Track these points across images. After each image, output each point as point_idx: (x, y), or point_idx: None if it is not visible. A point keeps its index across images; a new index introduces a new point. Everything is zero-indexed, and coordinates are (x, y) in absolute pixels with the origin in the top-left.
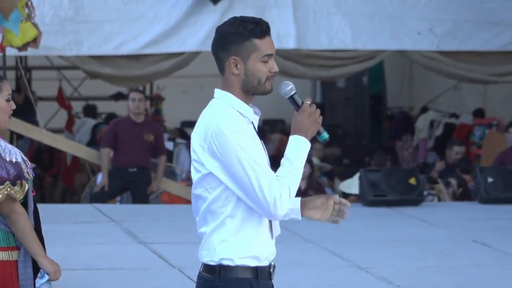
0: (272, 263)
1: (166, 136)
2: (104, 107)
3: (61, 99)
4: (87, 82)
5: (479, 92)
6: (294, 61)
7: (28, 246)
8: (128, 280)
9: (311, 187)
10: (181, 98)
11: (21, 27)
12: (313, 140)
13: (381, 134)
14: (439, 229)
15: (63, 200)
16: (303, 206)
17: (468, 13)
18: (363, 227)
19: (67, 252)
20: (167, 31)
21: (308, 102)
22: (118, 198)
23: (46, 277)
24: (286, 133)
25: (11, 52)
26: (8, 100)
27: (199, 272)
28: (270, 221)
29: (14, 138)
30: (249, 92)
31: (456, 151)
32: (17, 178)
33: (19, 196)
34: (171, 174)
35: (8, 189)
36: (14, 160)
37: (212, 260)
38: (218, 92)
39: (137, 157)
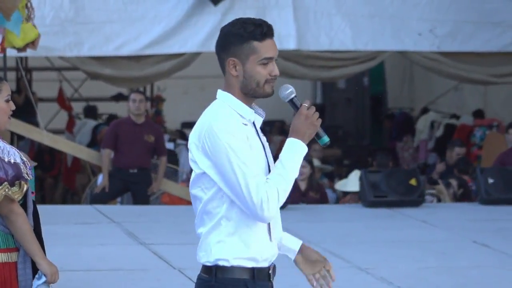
0: (273, 264)
1: (166, 137)
2: (104, 108)
3: (62, 100)
4: (87, 83)
5: (480, 93)
6: (294, 62)
7: (26, 246)
8: (129, 281)
9: (311, 188)
10: (181, 99)
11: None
12: (312, 141)
13: (382, 135)
14: (439, 230)
15: (64, 201)
16: (300, 250)
17: (469, 13)
18: (364, 228)
19: (67, 253)
20: (168, 32)
21: (306, 105)
22: (118, 199)
23: (44, 279)
24: (286, 134)
25: (11, 53)
26: (7, 101)
27: (199, 273)
28: (268, 223)
29: (15, 139)
30: (249, 94)
31: (457, 152)
32: (16, 178)
33: (18, 196)
34: (172, 174)
35: (6, 190)
36: (12, 160)
37: (209, 260)
38: (219, 93)
39: (138, 158)
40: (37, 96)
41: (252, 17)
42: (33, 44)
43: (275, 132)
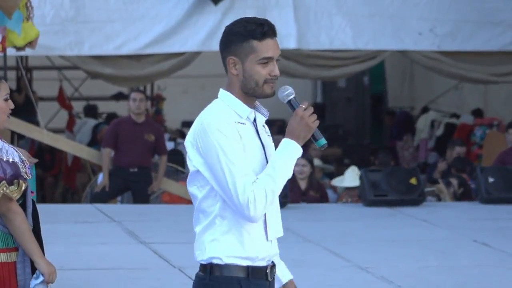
0: (271, 263)
1: (166, 136)
2: (105, 107)
3: (62, 99)
4: (88, 82)
5: (480, 92)
6: (295, 61)
7: (24, 245)
8: (129, 280)
9: (311, 187)
10: (181, 98)
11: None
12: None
13: (382, 134)
14: (440, 229)
15: (64, 200)
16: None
17: (469, 13)
18: (364, 227)
19: (67, 252)
20: (168, 31)
21: (303, 106)
22: (119, 198)
23: (41, 278)
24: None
25: (11, 52)
26: (6, 100)
27: (197, 271)
28: (265, 222)
29: (15, 138)
30: (248, 93)
31: (457, 152)
32: (14, 177)
33: (16, 195)
34: (173, 173)
35: (4, 188)
36: (11, 160)
37: (203, 259)
38: (220, 91)
39: (138, 157)
40: (38, 95)
41: (256, 16)
42: (30, 43)
43: (275, 132)
